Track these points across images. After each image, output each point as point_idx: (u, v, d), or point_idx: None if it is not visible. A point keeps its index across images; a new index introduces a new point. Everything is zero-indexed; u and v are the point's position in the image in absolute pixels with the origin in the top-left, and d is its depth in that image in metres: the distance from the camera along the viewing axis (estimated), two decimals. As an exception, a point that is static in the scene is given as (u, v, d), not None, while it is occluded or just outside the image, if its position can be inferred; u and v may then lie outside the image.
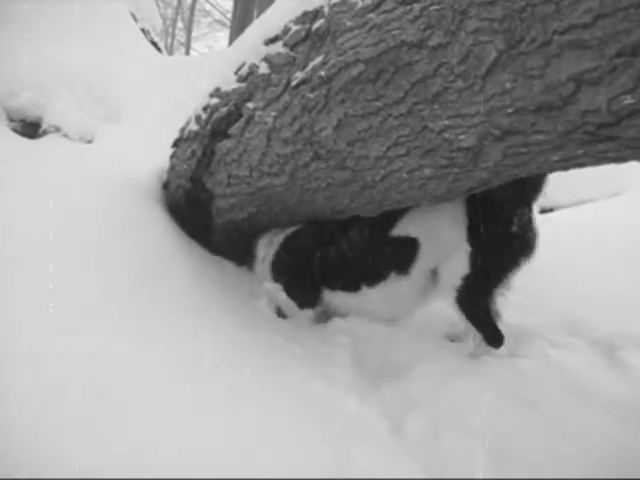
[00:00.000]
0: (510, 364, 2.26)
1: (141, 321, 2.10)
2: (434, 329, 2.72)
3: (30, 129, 3.49)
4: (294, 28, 2.30)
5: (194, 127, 2.97)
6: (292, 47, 2.32)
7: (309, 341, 2.43)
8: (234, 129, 2.66)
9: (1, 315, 1.80)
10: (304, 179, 2.44)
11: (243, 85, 2.59)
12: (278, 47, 2.39)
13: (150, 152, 3.51)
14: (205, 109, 2.88)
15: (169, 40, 20.64)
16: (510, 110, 1.60)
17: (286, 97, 2.32)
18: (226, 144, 2.73)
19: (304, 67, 2.22)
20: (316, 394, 2.04)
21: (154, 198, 3.25)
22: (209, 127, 2.82)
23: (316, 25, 2.18)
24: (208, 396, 1.82)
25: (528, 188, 2.29)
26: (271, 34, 2.46)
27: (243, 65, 2.62)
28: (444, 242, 2.40)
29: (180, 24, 22.25)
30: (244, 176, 2.70)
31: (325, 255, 2.72)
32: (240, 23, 10.94)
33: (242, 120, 2.60)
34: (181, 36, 22.29)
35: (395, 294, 2.53)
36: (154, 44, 5.78)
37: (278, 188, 2.59)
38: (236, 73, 2.66)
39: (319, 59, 2.13)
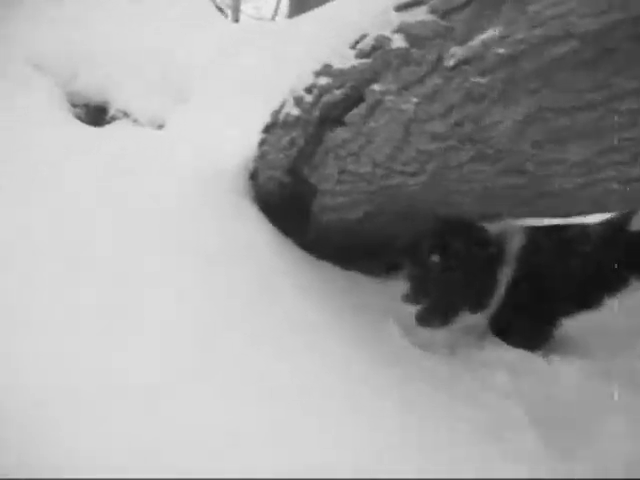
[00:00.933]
0: None
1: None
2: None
3: (96, 115, 3.06)
4: (448, -11, 1.77)
5: (294, 111, 2.47)
6: (444, 14, 1.78)
7: (463, 386, 1.96)
8: (352, 116, 2.16)
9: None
10: (452, 181, 1.96)
11: (366, 62, 2.07)
12: (420, 14, 1.85)
13: (229, 137, 3.07)
14: (309, 90, 2.38)
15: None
16: None
17: (435, 79, 1.80)
18: (340, 134, 2.24)
19: (466, 41, 1.69)
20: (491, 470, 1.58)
21: (242, 192, 2.83)
22: (317, 112, 2.33)
23: (487, -16, 1.64)
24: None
25: None
26: (407, -4, 1.93)
27: (364, 37, 2.09)
28: None
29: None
30: (365, 173, 2.23)
31: (564, 268, 2.16)
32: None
33: (364, 105, 2.09)
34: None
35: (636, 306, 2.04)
36: (220, 10, 5.22)
37: (412, 188, 2.11)
38: (354, 47, 2.15)
39: (494, 31, 1.60)
